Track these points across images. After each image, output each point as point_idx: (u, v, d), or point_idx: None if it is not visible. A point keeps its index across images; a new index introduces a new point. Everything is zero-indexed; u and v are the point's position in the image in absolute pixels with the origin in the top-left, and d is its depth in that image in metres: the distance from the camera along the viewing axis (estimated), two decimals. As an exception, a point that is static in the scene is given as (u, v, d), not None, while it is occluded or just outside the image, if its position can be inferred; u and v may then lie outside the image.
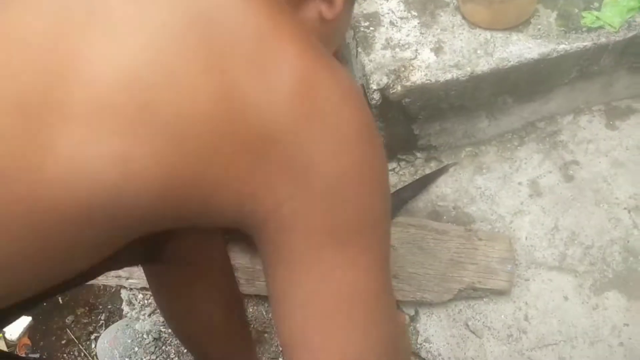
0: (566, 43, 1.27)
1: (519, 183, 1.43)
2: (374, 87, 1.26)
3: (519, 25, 1.31)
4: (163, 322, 1.32)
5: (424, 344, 1.27)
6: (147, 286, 1.36)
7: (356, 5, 1.38)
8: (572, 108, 1.49)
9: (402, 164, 1.51)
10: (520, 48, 1.27)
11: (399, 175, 1.51)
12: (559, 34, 1.29)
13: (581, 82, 1.39)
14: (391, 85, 1.26)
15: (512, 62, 1.26)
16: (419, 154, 1.49)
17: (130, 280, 1.35)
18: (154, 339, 1.30)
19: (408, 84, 1.25)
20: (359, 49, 1.32)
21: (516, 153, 1.48)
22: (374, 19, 1.37)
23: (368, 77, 1.27)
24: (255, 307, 1.34)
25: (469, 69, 1.26)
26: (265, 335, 1.31)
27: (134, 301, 1.36)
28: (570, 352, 1.20)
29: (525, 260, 1.32)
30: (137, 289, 1.36)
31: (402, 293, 1.28)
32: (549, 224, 1.36)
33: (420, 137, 1.44)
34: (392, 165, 1.51)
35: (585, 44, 1.27)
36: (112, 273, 1.36)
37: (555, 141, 1.48)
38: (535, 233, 1.35)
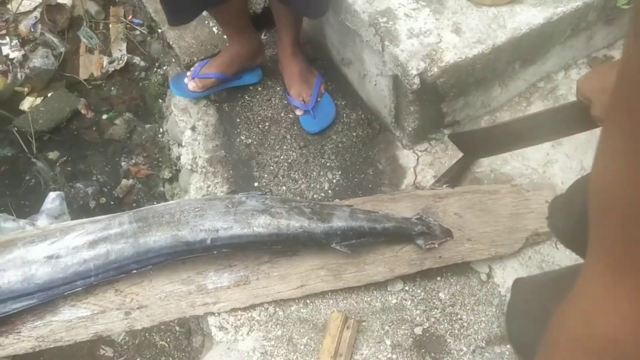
0: (562, 5, 1.45)
1: (540, 137, 1.60)
2: (414, 72, 1.37)
3: (516, -2, 1.48)
4: (264, 336, 1.34)
5: (507, 294, 1.39)
6: (236, 306, 1.38)
7: (367, 5, 1.49)
8: (563, 65, 1.68)
9: (432, 142, 1.63)
10: (527, 16, 1.43)
11: (432, 154, 1.62)
12: (552, -1, 1.47)
13: (571, 40, 1.59)
14: (429, 68, 1.37)
15: (523, 30, 1.42)
16: (446, 131, 1.62)
17: (219, 304, 1.36)
18: (261, 353, 1.31)
19: (442, 64, 1.38)
20: (386, 43, 1.43)
21: (527, 112, 1.64)
22: (389, 14, 1.48)
23: (405, 65, 1.38)
24: (345, 301, 1.39)
25: (490, 42, 1.40)
26: (364, 323, 1.36)
27: (225, 325, 1.36)
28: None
29: (569, 200, 1.48)
30: (225, 312, 1.37)
31: (478, 252, 1.39)
32: (576, 167, 1.53)
33: (447, 114, 1.57)
34: (424, 145, 1.63)
35: (577, 4, 1.46)
36: (199, 301, 1.36)
37: (556, 96, 1.66)
38: (568, 176, 1.52)
